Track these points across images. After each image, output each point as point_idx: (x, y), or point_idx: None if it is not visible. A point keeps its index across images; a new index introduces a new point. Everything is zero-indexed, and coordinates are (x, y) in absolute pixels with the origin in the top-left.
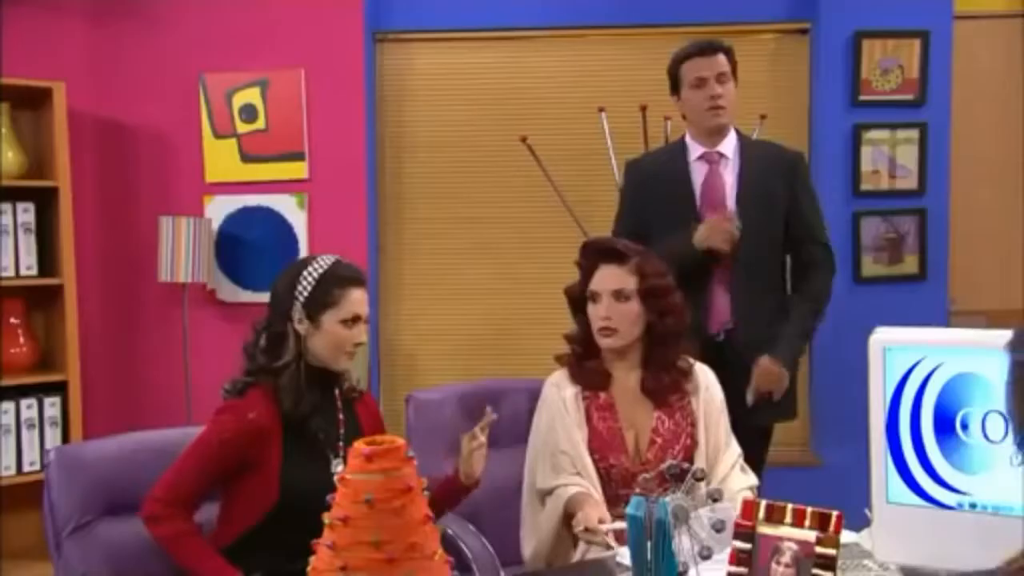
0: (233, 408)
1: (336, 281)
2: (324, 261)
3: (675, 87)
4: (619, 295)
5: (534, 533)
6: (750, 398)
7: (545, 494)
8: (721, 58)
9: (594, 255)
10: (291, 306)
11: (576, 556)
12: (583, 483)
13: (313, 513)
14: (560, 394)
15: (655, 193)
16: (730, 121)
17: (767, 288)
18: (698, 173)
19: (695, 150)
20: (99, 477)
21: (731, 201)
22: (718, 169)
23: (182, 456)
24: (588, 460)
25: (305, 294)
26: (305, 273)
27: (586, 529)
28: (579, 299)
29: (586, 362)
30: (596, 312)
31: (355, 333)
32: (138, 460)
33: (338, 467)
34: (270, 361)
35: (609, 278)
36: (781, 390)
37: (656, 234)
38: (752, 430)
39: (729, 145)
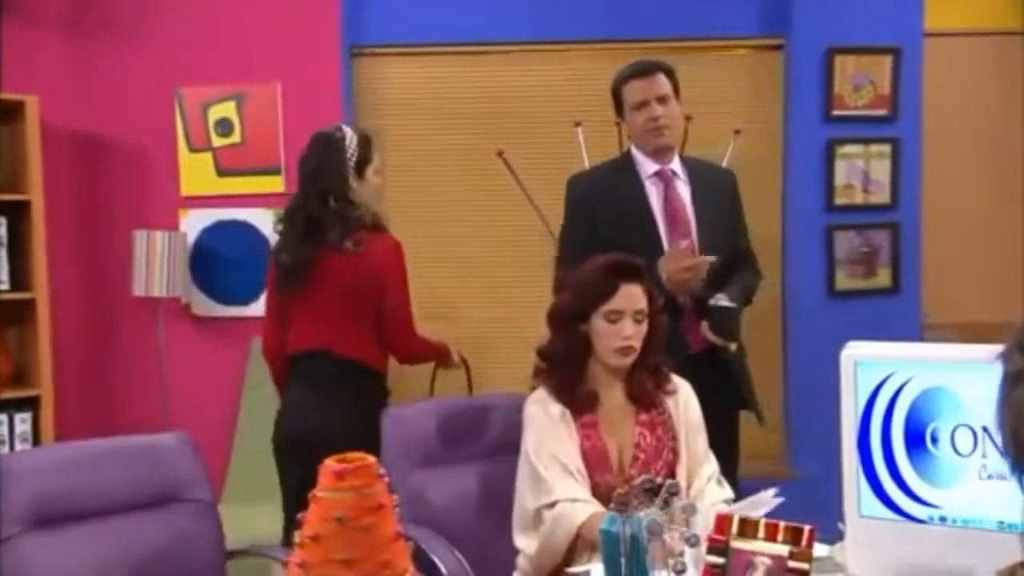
0: None
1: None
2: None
3: (619, 108)
4: (639, 315)
5: (538, 548)
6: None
7: (545, 507)
8: (661, 78)
9: (618, 273)
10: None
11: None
12: (587, 497)
13: None
14: (546, 410)
15: (609, 210)
16: (674, 141)
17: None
18: (654, 191)
19: (648, 167)
20: (25, 489)
21: (692, 219)
22: (675, 187)
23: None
24: (583, 467)
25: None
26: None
27: None
28: (574, 316)
29: (573, 384)
30: (617, 331)
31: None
32: (69, 472)
33: None
34: None
35: (634, 298)
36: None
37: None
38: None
39: (678, 164)
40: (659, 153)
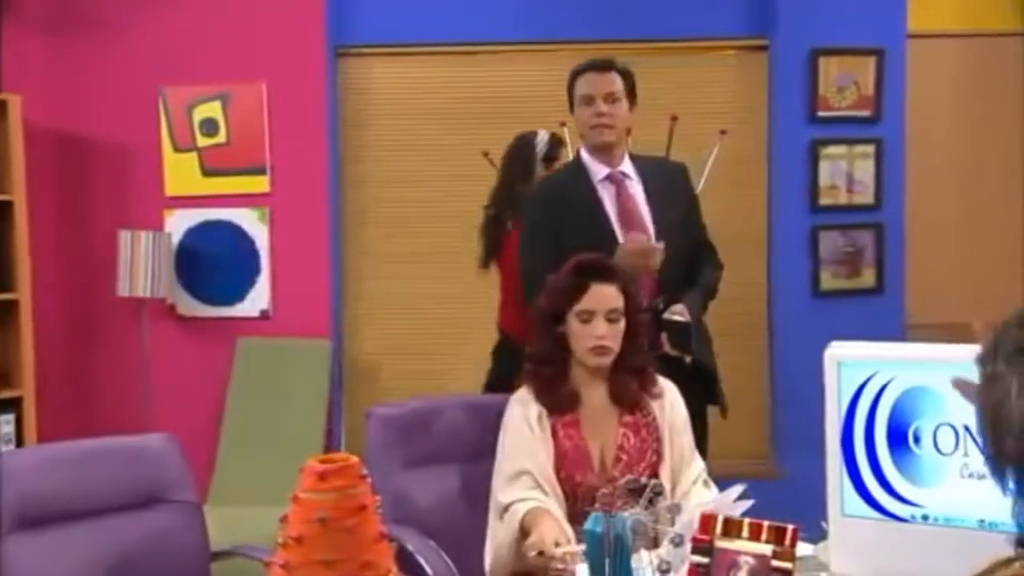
0: None
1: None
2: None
3: (572, 104)
4: (612, 314)
5: (493, 549)
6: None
7: (502, 510)
8: (613, 77)
9: (588, 273)
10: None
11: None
12: (541, 499)
13: None
14: (525, 411)
15: (565, 216)
16: (618, 141)
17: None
18: (607, 194)
19: (599, 171)
20: (11, 490)
21: (648, 218)
22: (626, 188)
23: None
24: (553, 477)
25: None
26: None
27: (540, 553)
28: (550, 317)
29: (555, 384)
30: (589, 331)
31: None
32: (55, 473)
33: None
34: None
35: (605, 297)
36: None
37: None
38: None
39: (628, 165)
40: (604, 152)
